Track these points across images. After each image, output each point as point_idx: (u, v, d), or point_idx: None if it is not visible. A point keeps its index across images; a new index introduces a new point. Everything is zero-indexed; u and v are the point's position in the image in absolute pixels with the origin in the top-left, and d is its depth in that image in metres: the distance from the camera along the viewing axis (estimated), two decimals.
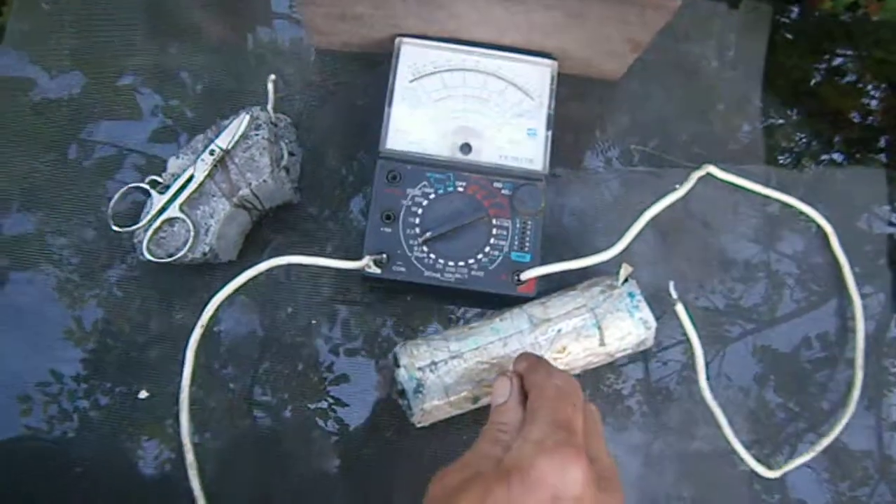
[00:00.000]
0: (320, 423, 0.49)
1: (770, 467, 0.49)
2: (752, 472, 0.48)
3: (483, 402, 0.46)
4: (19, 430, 0.48)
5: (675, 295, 0.47)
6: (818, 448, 0.48)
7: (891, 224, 0.55)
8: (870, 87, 0.59)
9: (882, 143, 0.58)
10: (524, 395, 0.38)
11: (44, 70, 0.54)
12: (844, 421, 0.49)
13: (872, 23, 0.60)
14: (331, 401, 0.50)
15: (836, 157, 0.57)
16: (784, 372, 0.52)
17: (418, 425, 0.46)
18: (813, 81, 0.59)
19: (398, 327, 0.51)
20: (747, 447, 0.48)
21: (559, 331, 0.45)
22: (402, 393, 0.46)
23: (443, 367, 0.45)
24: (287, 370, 0.50)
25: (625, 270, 0.47)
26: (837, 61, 0.59)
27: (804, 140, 0.57)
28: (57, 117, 0.53)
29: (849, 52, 0.59)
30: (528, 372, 0.38)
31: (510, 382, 0.39)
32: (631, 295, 0.46)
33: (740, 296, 0.53)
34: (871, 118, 0.58)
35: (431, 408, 0.44)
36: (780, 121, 0.57)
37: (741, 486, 0.50)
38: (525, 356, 0.41)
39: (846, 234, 0.53)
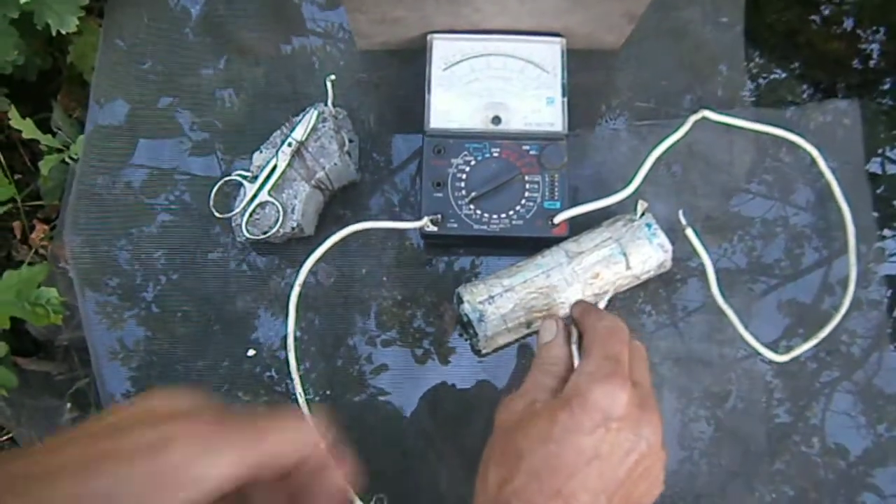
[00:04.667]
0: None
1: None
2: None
3: (535, 326, 0.54)
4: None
5: (684, 221, 0.55)
6: (822, 335, 0.56)
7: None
8: (862, 31, 0.67)
9: (857, 80, 0.66)
10: (568, 335, 0.46)
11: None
12: (844, 308, 0.57)
13: None
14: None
15: (808, 95, 0.65)
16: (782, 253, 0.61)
17: (483, 352, 0.56)
18: (794, 31, 0.67)
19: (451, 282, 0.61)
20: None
21: (592, 260, 0.54)
22: (467, 325, 0.55)
23: (499, 300, 0.54)
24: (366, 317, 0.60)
25: (641, 205, 0.55)
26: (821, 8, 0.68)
27: (780, 82, 0.65)
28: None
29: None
30: (583, 315, 0.46)
31: (556, 324, 0.47)
32: (648, 225, 0.55)
33: (739, 211, 0.62)
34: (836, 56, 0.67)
35: (493, 333, 0.54)
36: (760, 69, 0.66)
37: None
38: (579, 303, 0.49)
39: (832, 157, 0.61)
